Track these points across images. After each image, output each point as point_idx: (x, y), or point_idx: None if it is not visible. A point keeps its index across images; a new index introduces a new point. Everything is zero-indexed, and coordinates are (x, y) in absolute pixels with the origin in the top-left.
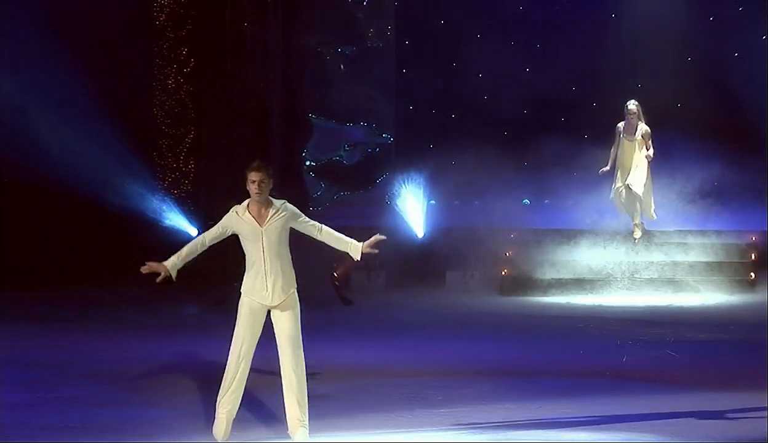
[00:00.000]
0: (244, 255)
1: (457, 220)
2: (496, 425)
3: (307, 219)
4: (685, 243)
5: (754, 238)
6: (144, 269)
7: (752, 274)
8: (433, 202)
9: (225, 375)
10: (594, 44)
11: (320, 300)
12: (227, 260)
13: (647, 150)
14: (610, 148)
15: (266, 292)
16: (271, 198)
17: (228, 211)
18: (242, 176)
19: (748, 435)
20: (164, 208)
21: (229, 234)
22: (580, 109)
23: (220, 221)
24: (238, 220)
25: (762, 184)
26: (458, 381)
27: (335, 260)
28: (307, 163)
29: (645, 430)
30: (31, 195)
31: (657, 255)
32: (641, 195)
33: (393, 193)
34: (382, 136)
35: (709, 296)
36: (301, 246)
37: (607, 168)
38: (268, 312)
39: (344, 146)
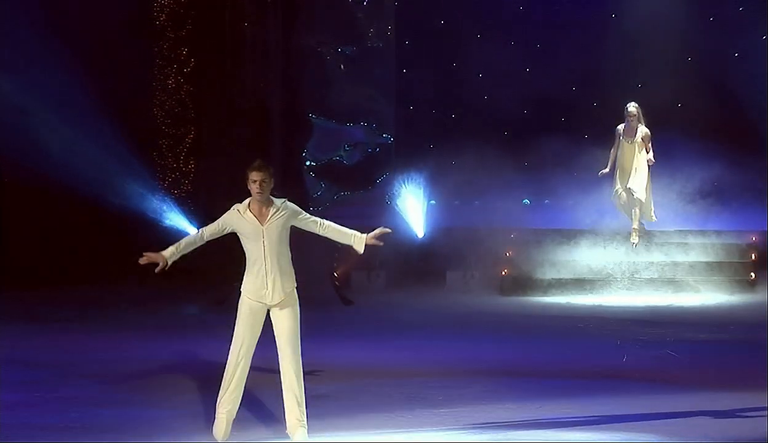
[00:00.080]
0: (244, 255)
1: (457, 220)
2: (496, 425)
3: (308, 215)
4: (686, 244)
5: (754, 238)
6: (142, 260)
7: (752, 274)
8: (433, 202)
9: (225, 374)
10: (594, 44)
11: (320, 300)
12: (227, 260)
13: (647, 153)
14: (610, 150)
15: (266, 291)
16: (271, 197)
17: (228, 209)
18: (243, 176)
19: (748, 435)
20: (164, 208)
21: (228, 231)
22: (580, 109)
23: (221, 218)
24: (239, 218)
25: (762, 184)
26: (458, 381)
27: (335, 260)
28: (307, 163)
29: (645, 430)
30: (31, 195)
31: (657, 256)
32: (643, 200)
33: (393, 193)
34: (382, 136)
35: (709, 296)
36: (301, 246)
37: (607, 170)
38: (268, 311)
39: (344, 146)
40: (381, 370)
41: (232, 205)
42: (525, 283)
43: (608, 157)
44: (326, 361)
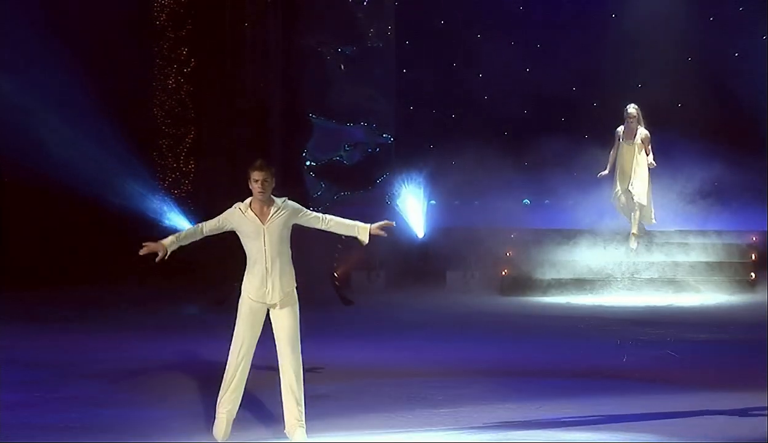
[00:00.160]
0: (244, 255)
1: (457, 220)
2: (496, 425)
3: (309, 212)
4: (686, 244)
5: (754, 238)
6: (143, 251)
7: (752, 274)
8: (433, 202)
9: (225, 374)
10: (594, 44)
11: (320, 300)
12: (227, 260)
13: (647, 155)
14: (609, 152)
15: (266, 290)
16: (272, 196)
17: (230, 207)
18: (243, 176)
19: (748, 435)
20: (164, 208)
21: (227, 229)
22: (580, 109)
23: (221, 214)
24: (240, 216)
25: (762, 184)
26: (458, 381)
27: (335, 260)
28: (307, 163)
29: (645, 430)
30: (31, 195)
31: (657, 256)
32: (644, 204)
33: (393, 193)
34: (382, 136)
35: (710, 296)
36: (301, 246)
37: (606, 172)
38: (268, 311)
39: (344, 146)
40: (381, 370)
41: (233, 204)
42: (525, 283)
43: (608, 159)
44: (326, 361)
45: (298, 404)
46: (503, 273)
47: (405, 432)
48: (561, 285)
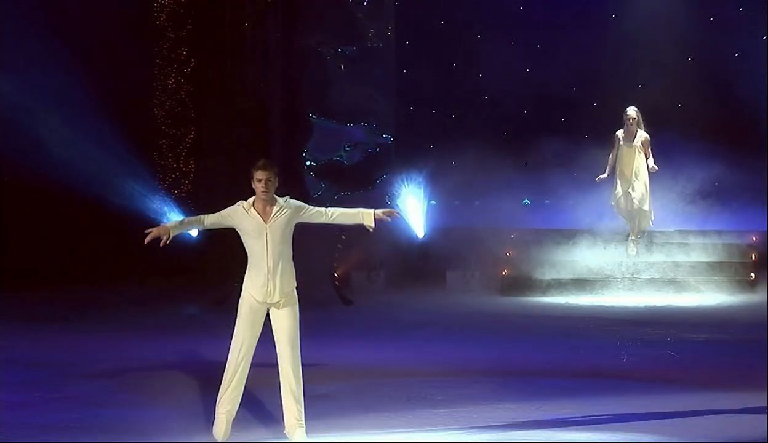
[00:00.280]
0: (244, 255)
1: (457, 220)
2: (496, 425)
3: (312, 208)
4: (686, 244)
5: (754, 239)
6: (148, 238)
7: (752, 275)
8: (433, 202)
9: (225, 374)
10: (594, 44)
11: (320, 300)
12: (227, 260)
13: (647, 158)
14: (609, 155)
15: (267, 289)
16: (275, 196)
17: (232, 204)
18: (243, 176)
19: (748, 435)
20: (164, 208)
21: (227, 225)
22: (580, 109)
23: (224, 210)
24: (243, 214)
25: (762, 184)
26: (458, 381)
27: (335, 260)
28: (307, 163)
29: (645, 430)
30: (31, 195)
31: (657, 256)
32: (645, 209)
33: (393, 193)
34: (382, 136)
35: (710, 296)
36: (301, 246)
37: (605, 175)
38: (268, 311)
39: (344, 146)
40: (381, 370)
41: (233, 204)
42: (525, 283)
43: (607, 162)
44: (326, 361)
45: (297, 404)
46: (503, 273)
47: (405, 432)
48: (561, 285)
